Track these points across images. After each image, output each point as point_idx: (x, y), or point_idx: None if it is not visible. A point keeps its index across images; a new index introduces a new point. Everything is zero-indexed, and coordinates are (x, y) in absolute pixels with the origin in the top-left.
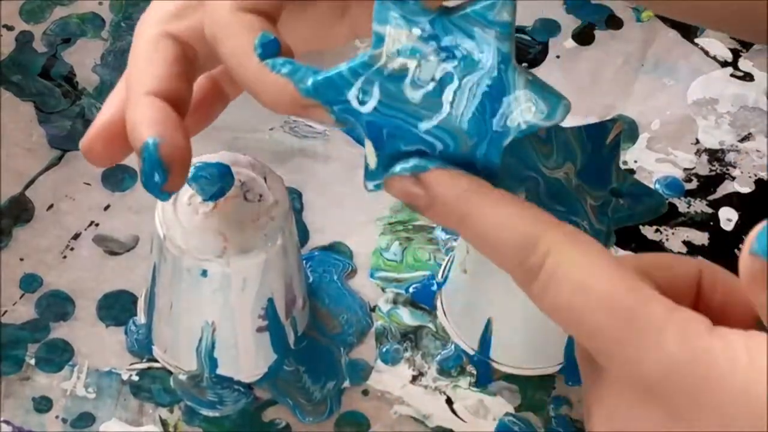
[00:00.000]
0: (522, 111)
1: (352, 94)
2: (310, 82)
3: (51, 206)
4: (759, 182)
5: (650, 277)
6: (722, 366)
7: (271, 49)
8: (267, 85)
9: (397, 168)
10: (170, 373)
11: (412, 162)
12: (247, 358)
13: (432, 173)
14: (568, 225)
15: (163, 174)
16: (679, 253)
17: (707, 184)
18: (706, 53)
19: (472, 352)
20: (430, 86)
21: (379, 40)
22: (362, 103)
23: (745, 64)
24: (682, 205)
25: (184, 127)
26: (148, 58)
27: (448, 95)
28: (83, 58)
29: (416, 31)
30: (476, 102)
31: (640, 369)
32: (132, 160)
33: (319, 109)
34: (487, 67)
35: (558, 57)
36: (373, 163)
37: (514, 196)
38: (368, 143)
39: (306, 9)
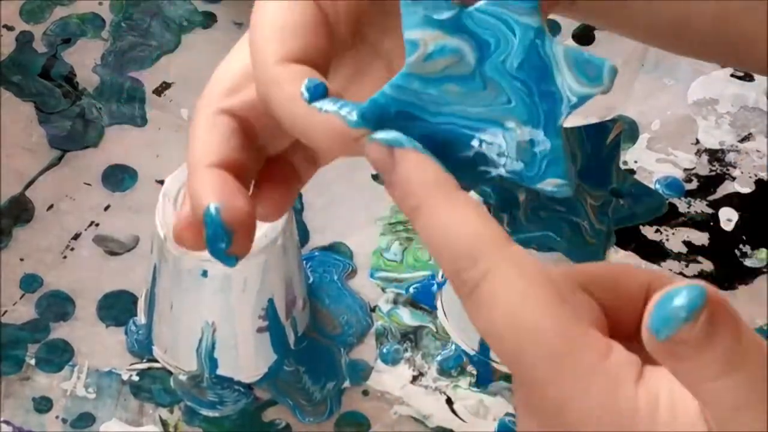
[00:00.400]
0: (568, 84)
1: (398, 110)
2: (356, 112)
3: (51, 206)
4: (759, 182)
5: (594, 296)
6: (644, 421)
7: (318, 93)
8: (317, 126)
9: (379, 135)
10: (170, 373)
11: (393, 134)
12: (247, 359)
13: (405, 151)
14: (515, 247)
15: (226, 238)
16: (679, 253)
17: (707, 185)
18: None
19: (472, 353)
20: (472, 79)
21: (413, 46)
22: (411, 117)
23: None
24: (682, 206)
25: (245, 193)
26: (206, 133)
27: (491, 85)
28: (83, 59)
29: (446, 28)
30: (521, 85)
31: (562, 414)
32: (132, 160)
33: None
34: (523, 46)
35: None
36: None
37: (477, 204)
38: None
39: (345, 55)
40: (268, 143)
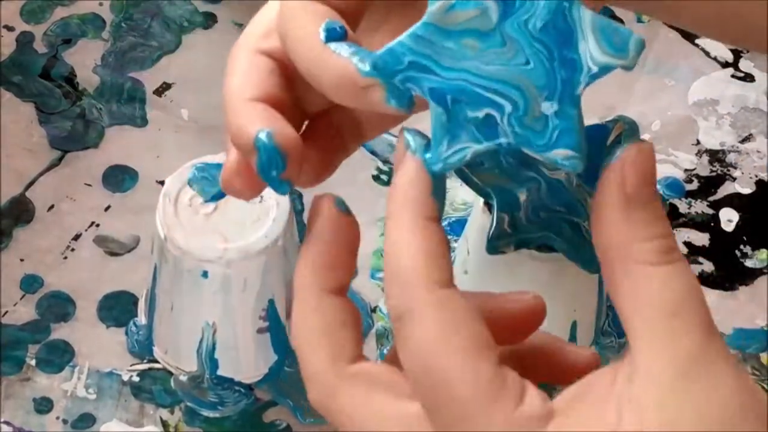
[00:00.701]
0: (591, 52)
1: (412, 60)
2: (369, 61)
3: (51, 207)
4: (759, 183)
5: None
6: None
7: (335, 35)
8: (328, 67)
9: (410, 132)
10: (171, 373)
11: (419, 139)
12: (247, 359)
13: (413, 158)
14: (449, 291)
15: (281, 162)
16: None
17: (708, 185)
18: (707, 54)
19: None
20: (492, 36)
21: None
22: (423, 69)
23: (745, 64)
24: (682, 206)
25: (290, 124)
26: (245, 70)
27: (511, 44)
28: (84, 59)
29: None
30: (542, 48)
31: None
32: (133, 161)
33: (378, 91)
34: (549, 8)
35: None
36: (439, 138)
37: (440, 240)
38: (434, 115)
39: (380, 27)
40: (305, 98)
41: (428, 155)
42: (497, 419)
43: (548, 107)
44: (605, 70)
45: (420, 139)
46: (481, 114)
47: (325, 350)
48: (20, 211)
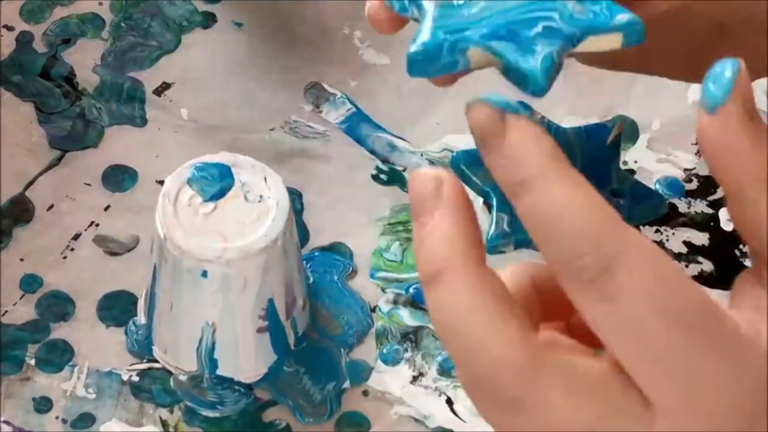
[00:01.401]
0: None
1: (449, 30)
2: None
3: (51, 206)
4: None
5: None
6: None
7: None
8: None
9: (487, 96)
10: (170, 373)
11: (503, 98)
12: (247, 359)
13: (519, 118)
14: (632, 229)
15: None
16: (679, 253)
17: (708, 185)
18: None
19: None
20: None
21: None
22: (463, 29)
23: None
24: (682, 206)
25: None
26: None
27: None
28: (83, 59)
29: None
30: None
31: None
32: (132, 160)
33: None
34: None
35: None
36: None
37: (589, 184)
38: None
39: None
40: None
41: (530, 85)
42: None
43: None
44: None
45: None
46: (539, 29)
47: (512, 325)
48: (20, 211)
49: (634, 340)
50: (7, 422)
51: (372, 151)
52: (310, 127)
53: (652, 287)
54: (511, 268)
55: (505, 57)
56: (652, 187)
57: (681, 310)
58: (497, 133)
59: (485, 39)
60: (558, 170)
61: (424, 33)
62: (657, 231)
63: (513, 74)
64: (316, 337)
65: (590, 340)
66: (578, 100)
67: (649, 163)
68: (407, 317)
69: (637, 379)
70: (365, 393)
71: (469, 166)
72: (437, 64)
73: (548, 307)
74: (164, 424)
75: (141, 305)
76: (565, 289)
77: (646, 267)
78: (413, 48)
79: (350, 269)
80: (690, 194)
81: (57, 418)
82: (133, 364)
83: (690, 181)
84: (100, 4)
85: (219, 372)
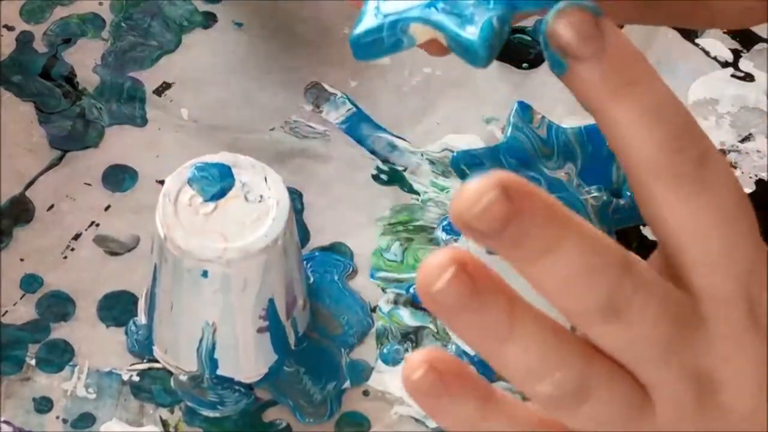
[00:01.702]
0: None
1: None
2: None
3: (51, 206)
4: (760, 182)
5: None
6: None
7: None
8: None
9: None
10: (171, 373)
11: (591, 4)
12: (247, 359)
13: (609, 21)
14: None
15: None
16: None
17: None
18: (707, 53)
19: (472, 353)
20: None
21: None
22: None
23: (745, 64)
24: None
25: None
26: None
27: None
28: (84, 59)
29: None
30: None
31: None
32: (133, 160)
33: None
34: None
35: None
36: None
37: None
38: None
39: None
40: None
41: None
42: None
43: None
44: None
45: None
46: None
47: None
48: (20, 211)
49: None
50: (7, 422)
51: (372, 151)
52: (311, 127)
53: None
54: None
55: (445, 29)
56: None
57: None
58: (594, 39)
59: (424, 14)
60: (654, 69)
61: (366, 16)
62: None
63: (457, 47)
64: (317, 337)
65: None
66: None
67: None
68: (407, 317)
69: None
70: (365, 393)
71: (469, 167)
72: (381, 46)
73: None
74: (164, 424)
75: (141, 305)
76: (661, 185)
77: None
78: (355, 32)
79: (350, 269)
80: None
81: (57, 418)
82: (133, 364)
83: None
84: (101, 4)
85: (219, 372)
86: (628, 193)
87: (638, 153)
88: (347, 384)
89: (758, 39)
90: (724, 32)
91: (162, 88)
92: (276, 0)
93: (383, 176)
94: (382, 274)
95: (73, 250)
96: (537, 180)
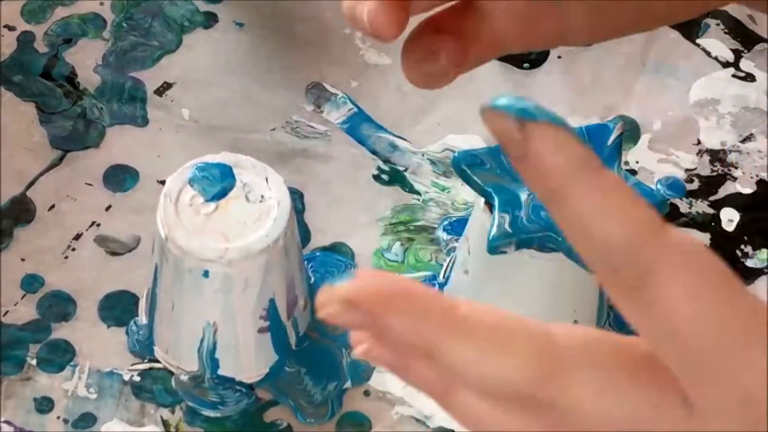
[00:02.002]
0: None
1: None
2: None
3: (52, 206)
4: (761, 183)
5: None
6: None
7: None
8: None
9: (502, 101)
10: (171, 373)
11: (521, 103)
12: (248, 359)
13: (539, 127)
14: (674, 232)
15: None
16: None
17: (709, 185)
18: (708, 54)
19: None
20: None
21: None
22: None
23: (746, 64)
24: (683, 206)
25: None
26: None
27: None
28: (84, 59)
29: None
30: None
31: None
32: (134, 161)
33: None
34: None
35: (559, 57)
36: None
37: (626, 186)
38: None
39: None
40: None
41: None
42: None
43: None
44: None
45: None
46: None
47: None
48: (21, 211)
49: (675, 347)
50: (8, 422)
51: (373, 151)
52: (312, 127)
53: (692, 295)
54: None
55: None
56: (654, 187)
57: (725, 315)
58: (519, 142)
59: None
60: (585, 180)
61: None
62: None
63: None
64: (317, 337)
65: None
66: (578, 100)
67: (650, 163)
68: None
69: (681, 382)
70: (366, 393)
71: (470, 167)
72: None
73: None
74: (165, 424)
75: (142, 305)
76: (609, 294)
77: (685, 274)
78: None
79: (351, 269)
80: (691, 194)
81: (58, 418)
82: (134, 364)
83: (691, 181)
84: (101, 4)
85: (220, 372)
86: None
87: (583, 255)
88: (348, 384)
89: (759, 39)
90: (725, 32)
91: (163, 88)
92: (277, 0)
93: (384, 176)
94: None
95: (74, 250)
96: None
